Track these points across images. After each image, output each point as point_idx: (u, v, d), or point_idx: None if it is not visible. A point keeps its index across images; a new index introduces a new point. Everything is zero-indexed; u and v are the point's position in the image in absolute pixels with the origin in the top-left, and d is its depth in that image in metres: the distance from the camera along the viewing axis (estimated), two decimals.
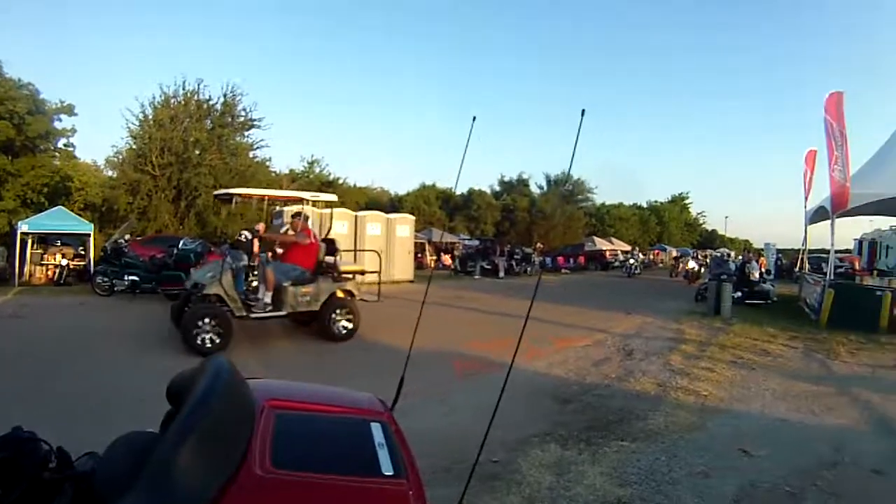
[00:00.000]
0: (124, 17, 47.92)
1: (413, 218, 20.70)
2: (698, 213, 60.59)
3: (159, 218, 19.78)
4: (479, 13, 77.10)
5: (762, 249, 30.69)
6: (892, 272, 14.77)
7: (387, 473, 1.30)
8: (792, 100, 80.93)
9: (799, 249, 19.94)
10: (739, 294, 13.10)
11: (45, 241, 14.69)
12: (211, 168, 20.68)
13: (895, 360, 7.44)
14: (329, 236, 8.84)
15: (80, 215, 16.23)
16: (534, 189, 43.95)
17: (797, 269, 19.96)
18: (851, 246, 24.52)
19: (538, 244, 31.53)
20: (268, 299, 7.28)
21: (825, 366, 7.34)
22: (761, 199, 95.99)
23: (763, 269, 17.18)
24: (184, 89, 21.22)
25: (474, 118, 2.28)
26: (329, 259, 7.92)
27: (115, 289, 12.06)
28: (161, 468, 1.04)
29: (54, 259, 14.41)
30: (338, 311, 7.71)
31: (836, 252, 14.19)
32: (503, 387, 1.65)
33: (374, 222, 18.16)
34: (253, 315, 7.22)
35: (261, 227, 8.22)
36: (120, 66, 49.53)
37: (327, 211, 10.89)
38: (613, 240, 38.43)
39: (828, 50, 78.08)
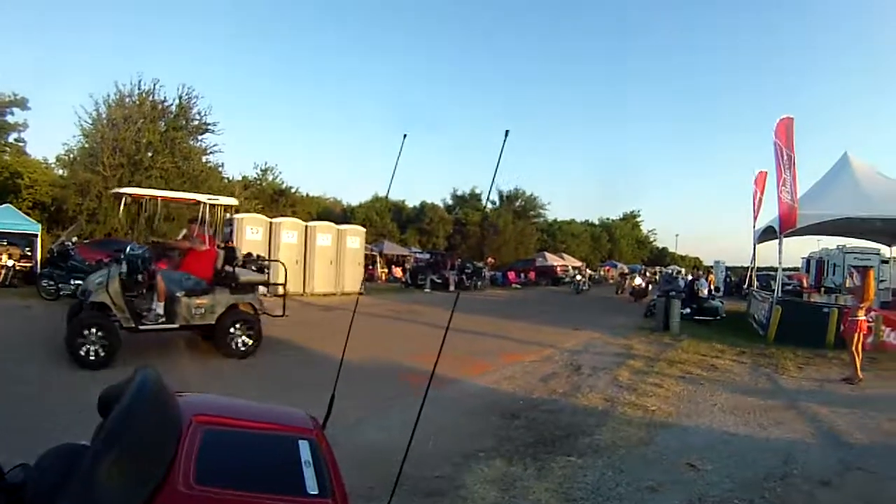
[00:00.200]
0: (82, 12, 46.02)
1: (364, 230, 20.63)
2: (649, 231, 63.01)
3: (108, 221, 18.86)
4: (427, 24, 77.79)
5: (712, 267, 31.88)
6: (838, 289, 15.37)
7: (311, 493, 1.29)
8: (743, 122, 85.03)
9: (748, 267, 20.72)
10: (688, 310, 13.30)
11: None
12: (163, 171, 19.88)
13: (842, 375, 7.63)
14: (231, 244, 8.26)
15: (27, 214, 15.60)
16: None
17: (746, 286, 20.69)
18: (800, 264, 25.58)
19: (489, 258, 31.61)
20: (160, 310, 6.62)
21: (773, 380, 7.45)
22: (711, 219, 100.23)
23: (712, 286, 17.73)
24: (139, 89, 20.44)
25: (405, 136, 2.39)
26: (228, 268, 7.32)
27: (62, 293, 11.49)
28: (84, 481, 1.04)
29: (0, 259, 13.53)
30: (237, 326, 7.05)
31: (785, 270, 14.77)
32: (423, 400, 1.61)
33: (324, 233, 17.84)
34: (142, 327, 6.52)
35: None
36: (76, 62, 47.33)
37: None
38: (565, 255, 38.99)
39: (780, 76, 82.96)
